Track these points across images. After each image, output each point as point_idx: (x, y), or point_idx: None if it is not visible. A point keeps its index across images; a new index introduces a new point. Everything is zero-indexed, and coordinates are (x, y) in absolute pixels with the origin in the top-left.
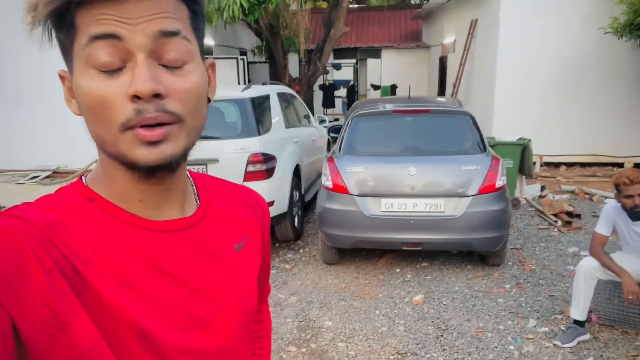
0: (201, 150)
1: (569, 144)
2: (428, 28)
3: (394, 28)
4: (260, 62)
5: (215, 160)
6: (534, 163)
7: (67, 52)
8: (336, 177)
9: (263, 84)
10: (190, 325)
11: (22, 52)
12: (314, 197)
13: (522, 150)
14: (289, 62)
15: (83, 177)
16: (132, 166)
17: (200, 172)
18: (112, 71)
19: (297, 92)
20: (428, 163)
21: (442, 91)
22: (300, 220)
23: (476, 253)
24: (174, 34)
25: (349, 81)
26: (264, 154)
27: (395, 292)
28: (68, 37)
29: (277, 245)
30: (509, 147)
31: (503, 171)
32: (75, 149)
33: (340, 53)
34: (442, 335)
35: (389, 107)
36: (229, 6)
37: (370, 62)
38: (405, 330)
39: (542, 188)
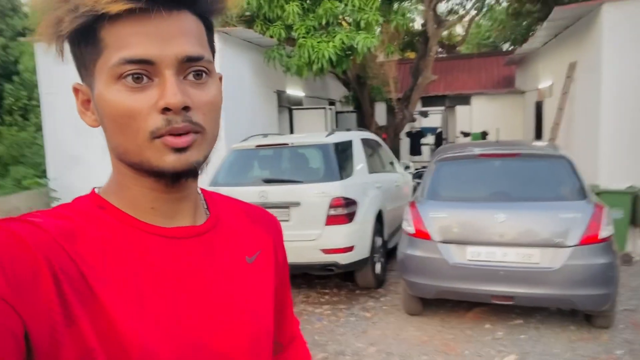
0: (284, 193)
1: None
2: (522, 73)
3: (484, 75)
4: (348, 112)
5: (297, 204)
6: None
7: (87, 67)
8: (418, 223)
9: (347, 130)
10: (195, 342)
11: None
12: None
13: (634, 199)
14: (376, 111)
15: (96, 189)
16: (158, 173)
17: (283, 215)
18: (140, 85)
19: (384, 139)
20: (519, 209)
21: (539, 136)
22: (383, 267)
23: (580, 313)
24: (199, 59)
25: (436, 128)
26: (345, 198)
27: (484, 350)
28: (92, 52)
29: (357, 292)
30: (618, 196)
31: (609, 220)
32: None
33: (428, 101)
34: None
35: (475, 151)
36: (318, 59)
37: (460, 109)
38: None
39: None
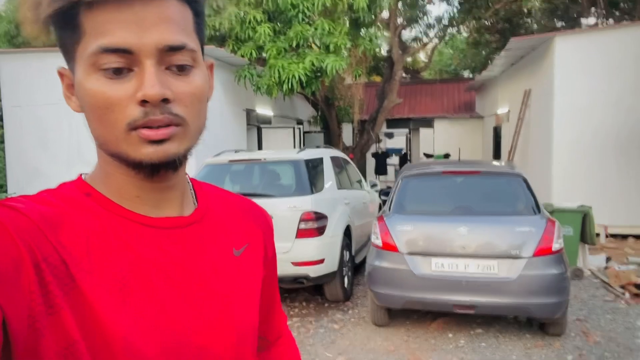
0: None
1: (636, 215)
2: (481, 99)
3: (446, 99)
4: (315, 132)
5: None
6: (598, 234)
7: (68, 51)
8: (386, 236)
9: (317, 147)
10: (179, 335)
11: None
12: (364, 260)
13: (583, 217)
14: (343, 131)
15: (83, 175)
16: (136, 165)
17: None
18: (120, 75)
19: (351, 159)
20: (480, 223)
21: (497, 159)
22: (350, 281)
23: (535, 321)
24: (180, 47)
25: (401, 149)
26: (315, 213)
27: (447, 358)
28: (72, 38)
29: (326, 305)
30: (569, 214)
31: (560, 234)
32: None
33: (393, 123)
34: None
35: (439, 168)
36: (288, 79)
37: (423, 131)
38: None
39: (608, 259)
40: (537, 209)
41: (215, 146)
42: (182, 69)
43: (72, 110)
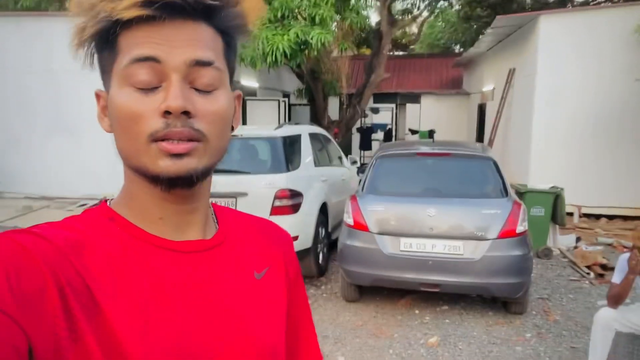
0: (232, 183)
1: (609, 196)
2: (468, 75)
3: (434, 75)
4: (301, 105)
5: (244, 194)
6: (571, 214)
7: (106, 72)
8: (357, 215)
9: (297, 124)
10: (200, 357)
11: (79, 84)
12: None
13: (555, 198)
14: (329, 105)
15: (108, 201)
16: (154, 178)
17: (230, 204)
18: (148, 89)
19: (336, 134)
20: (448, 205)
21: (480, 137)
22: (325, 257)
23: (499, 300)
24: (208, 63)
25: (386, 125)
26: (290, 190)
27: (412, 333)
28: (110, 57)
29: None
30: (541, 195)
31: (525, 217)
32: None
33: (380, 97)
34: None
35: (413, 149)
36: (272, 52)
37: (410, 107)
38: None
39: (578, 239)
40: (505, 191)
41: None
42: (207, 89)
43: (104, 131)
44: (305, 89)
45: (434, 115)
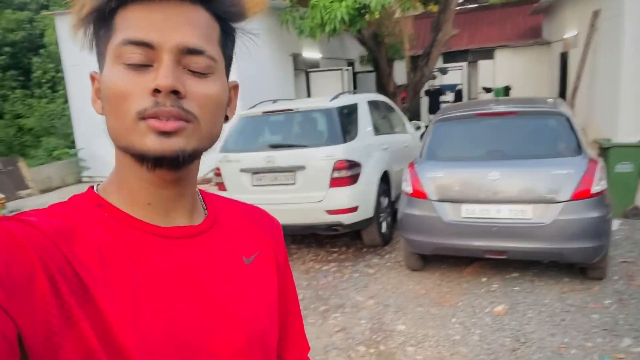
0: (290, 158)
1: None
2: (548, 22)
3: (510, 26)
4: (366, 72)
5: (302, 167)
6: None
7: (101, 53)
8: (415, 183)
9: (354, 93)
10: (190, 344)
11: None
12: None
13: None
14: (395, 70)
15: (95, 186)
16: (140, 157)
17: (289, 179)
18: (139, 68)
19: (403, 99)
20: (513, 167)
21: (562, 90)
22: (389, 226)
23: (575, 265)
24: (199, 52)
25: (455, 85)
26: (348, 161)
27: (477, 302)
28: (105, 37)
29: (364, 250)
30: (629, 150)
31: (602, 175)
32: None
33: (450, 56)
34: (519, 348)
35: (474, 110)
36: (330, 20)
37: (482, 63)
38: (479, 340)
39: None
40: (579, 149)
41: (263, 95)
42: (201, 72)
43: (97, 113)
44: (369, 55)
45: (510, 70)
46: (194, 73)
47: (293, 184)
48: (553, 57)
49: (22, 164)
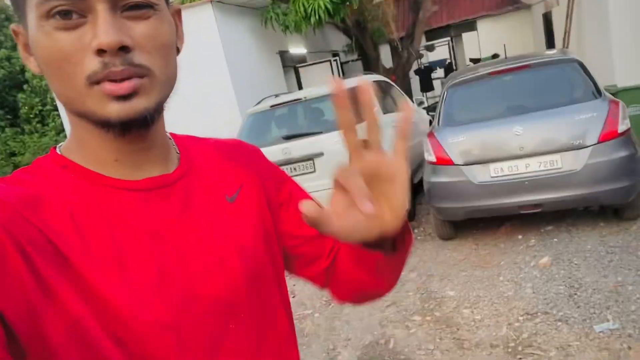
0: (306, 146)
1: None
2: None
3: None
4: (352, 60)
5: (320, 154)
6: None
7: (19, 5)
8: (438, 150)
9: (355, 76)
10: (187, 293)
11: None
12: (422, 180)
13: None
14: (382, 54)
15: (57, 148)
16: (105, 124)
17: (308, 167)
18: (71, 23)
19: (394, 82)
20: (535, 119)
21: (550, 48)
22: (411, 202)
23: (609, 208)
24: None
25: (444, 60)
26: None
27: (520, 258)
28: None
29: None
30: (635, 92)
31: (625, 114)
32: None
33: (432, 34)
34: (575, 294)
35: (485, 70)
36: (314, 10)
37: (466, 36)
38: (533, 292)
39: None
40: (597, 92)
41: (255, 94)
42: (140, 12)
43: (33, 72)
44: (354, 43)
45: (495, 39)
46: (135, 15)
47: (313, 171)
48: (536, 20)
49: None
